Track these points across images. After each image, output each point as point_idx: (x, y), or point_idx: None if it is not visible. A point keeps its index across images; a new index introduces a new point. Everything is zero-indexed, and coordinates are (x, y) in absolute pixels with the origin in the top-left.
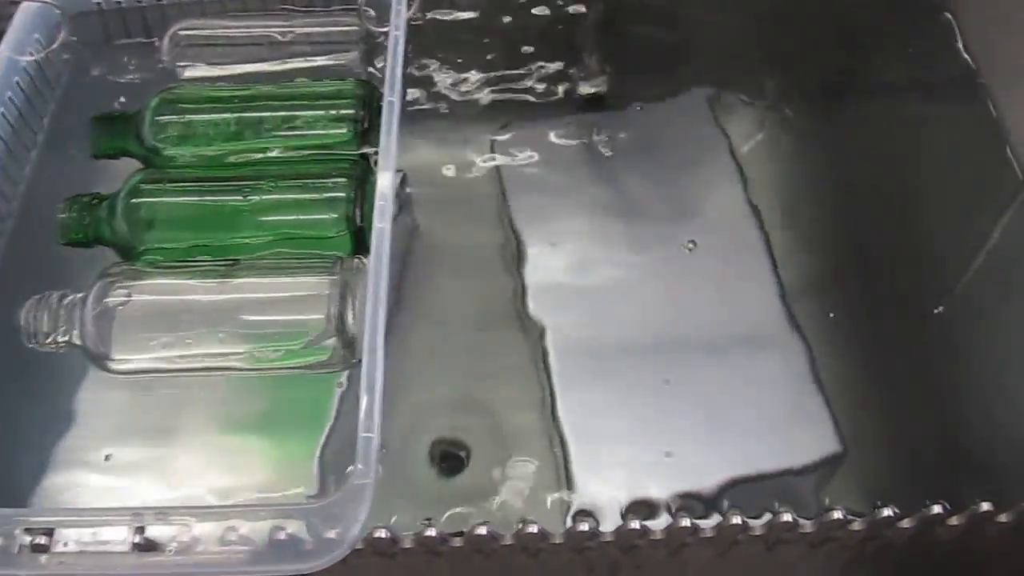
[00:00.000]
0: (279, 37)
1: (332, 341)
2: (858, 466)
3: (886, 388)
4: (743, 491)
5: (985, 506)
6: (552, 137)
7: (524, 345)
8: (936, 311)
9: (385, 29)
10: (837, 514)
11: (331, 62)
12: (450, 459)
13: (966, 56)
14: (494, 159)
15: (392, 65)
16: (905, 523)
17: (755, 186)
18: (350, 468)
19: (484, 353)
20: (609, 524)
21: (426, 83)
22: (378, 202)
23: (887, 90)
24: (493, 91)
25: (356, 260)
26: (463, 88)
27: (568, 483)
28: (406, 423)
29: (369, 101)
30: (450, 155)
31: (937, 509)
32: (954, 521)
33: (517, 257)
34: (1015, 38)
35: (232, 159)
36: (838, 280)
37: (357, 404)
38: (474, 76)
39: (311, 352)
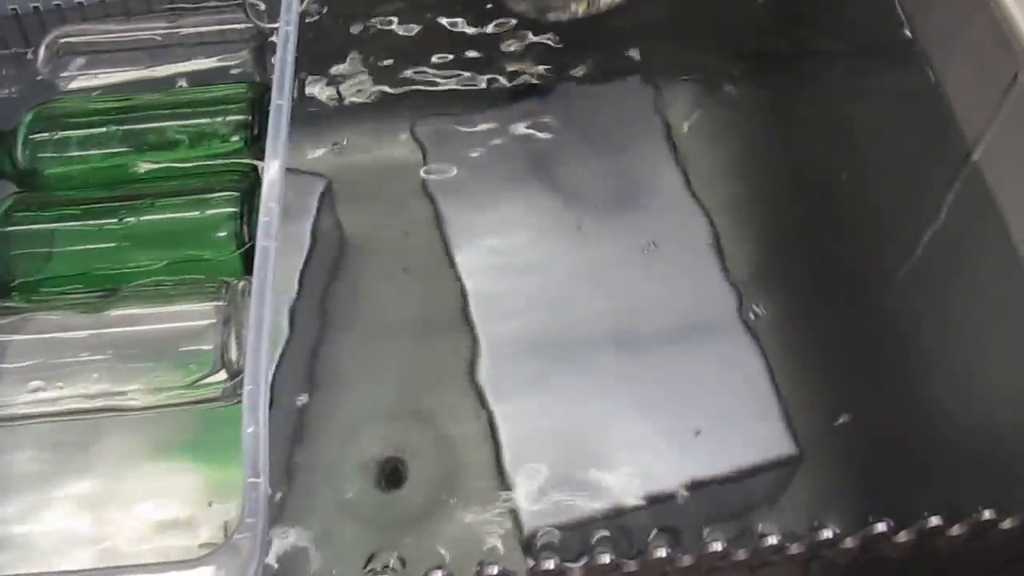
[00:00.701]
0: (161, 39)
1: (220, 376)
2: (811, 469)
3: (837, 385)
4: (692, 501)
5: (935, 520)
6: (481, 127)
7: (463, 351)
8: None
9: (276, 25)
10: (772, 539)
11: (221, 63)
12: (389, 476)
13: (904, 23)
14: (420, 155)
15: (281, 64)
16: (848, 543)
17: (695, 168)
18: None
19: (421, 362)
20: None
21: (338, 79)
22: (262, 217)
23: (826, 61)
24: (414, 82)
25: (244, 283)
26: (379, 81)
27: (508, 498)
28: (341, 440)
29: (261, 105)
30: (373, 155)
31: (881, 527)
32: (902, 537)
33: (450, 258)
34: (951, 4)
35: (114, 177)
36: (783, 265)
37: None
38: (390, 67)
39: (198, 389)
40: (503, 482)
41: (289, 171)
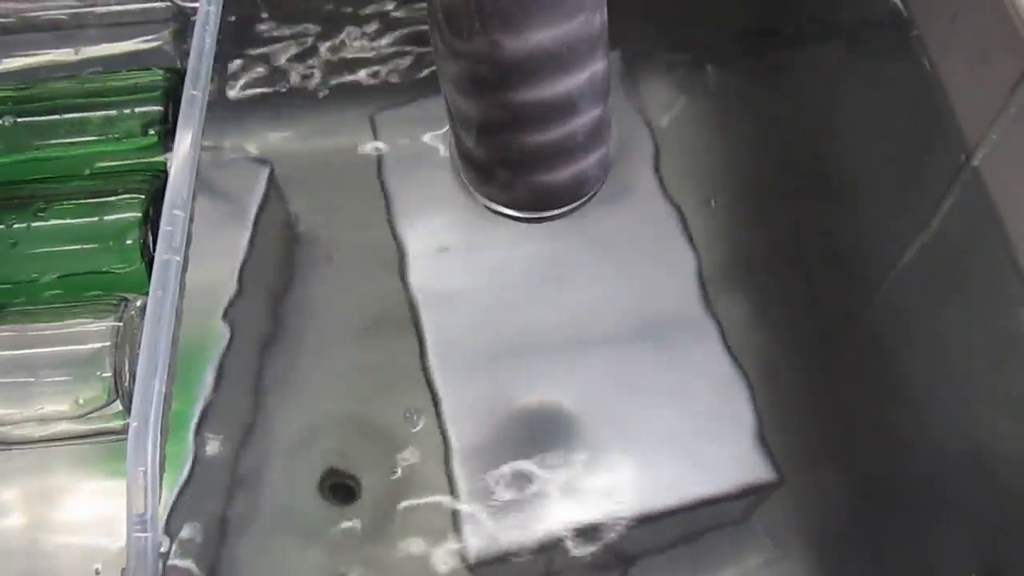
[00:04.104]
0: (70, 19)
1: (115, 407)
2: (788, 492)
3: (817, 407)
4: (655, 527)
5: None
6: (437, 112)
7: (416, 354)
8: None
9: (196, 3)
10: None
11: (139, 47)
12: (340, 490)
13: (900, 4)
14: (377, 146)
15: (199, 46)
16: None
17: (671, 157)
18: None
19: (375, 367)
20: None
21: (282, 61)
22: (163, 227)
23: (815, 46)
24: (367, 68)
25: (144, 300)
26: (330, 65)
27: (456, 524)
28: (289, 451)
29: (178, 95)
30: (327, 144)
31: None
32: None
33: (401, 256)
34: None
35: (6, 176)
36: (760, 271)
37: None
38: (339, 50)
39: (92, 421)
40: (454, 496)
41: (228, 160)
